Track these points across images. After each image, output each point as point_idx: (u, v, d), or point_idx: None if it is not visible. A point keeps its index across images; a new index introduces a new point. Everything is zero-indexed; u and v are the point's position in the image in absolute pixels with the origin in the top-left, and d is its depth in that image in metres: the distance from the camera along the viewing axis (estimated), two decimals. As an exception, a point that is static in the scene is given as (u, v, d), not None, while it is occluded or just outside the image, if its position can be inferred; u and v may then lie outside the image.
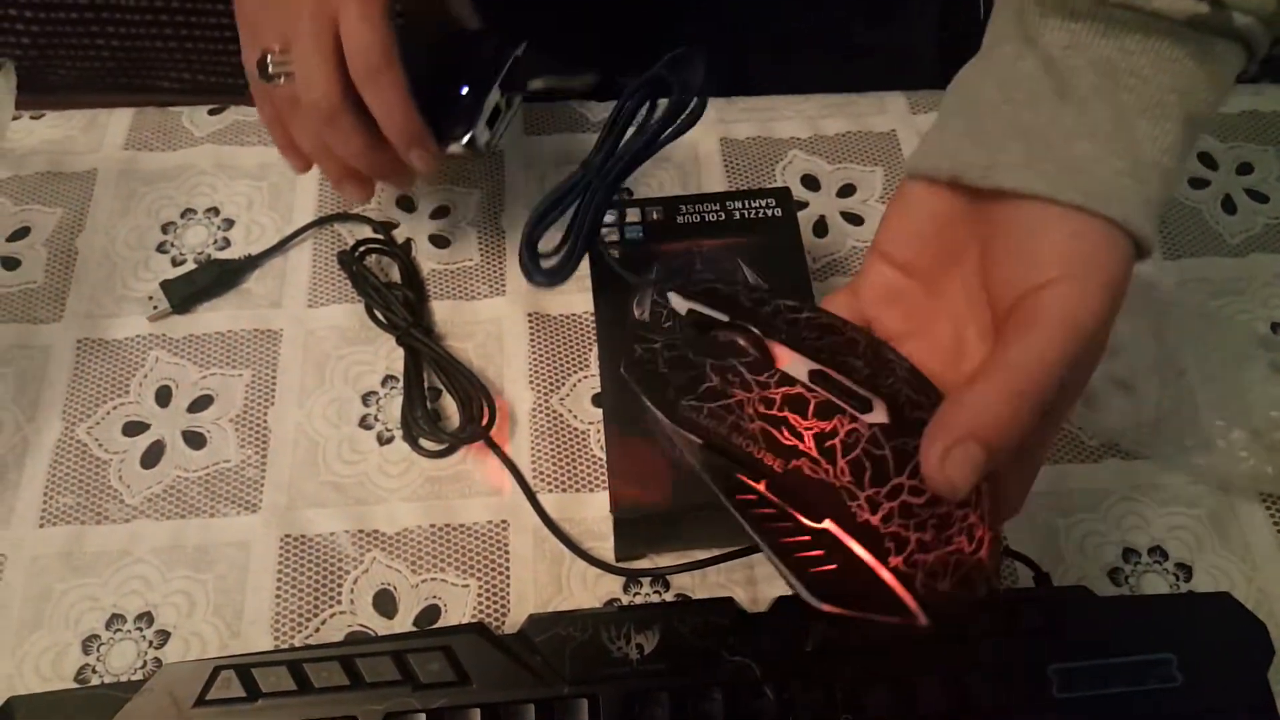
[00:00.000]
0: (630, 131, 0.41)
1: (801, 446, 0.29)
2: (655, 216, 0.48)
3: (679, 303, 0.35)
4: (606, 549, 0.45)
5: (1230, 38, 0.30)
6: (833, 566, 0.29)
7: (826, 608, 0.30)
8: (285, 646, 0.42)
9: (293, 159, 0.48)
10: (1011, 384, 0.28)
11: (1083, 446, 0.48)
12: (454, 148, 0.45)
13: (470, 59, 0.46)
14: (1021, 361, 0.29)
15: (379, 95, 0.42)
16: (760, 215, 0.48)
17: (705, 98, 0.40)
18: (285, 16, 0.43)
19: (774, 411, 0.30)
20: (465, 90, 0.45)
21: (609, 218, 0.47)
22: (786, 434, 0.30)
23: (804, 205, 0.55)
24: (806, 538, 0.29)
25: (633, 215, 0.48)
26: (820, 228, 0.55)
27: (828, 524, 0.29)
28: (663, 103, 0.41)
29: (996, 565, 0.30)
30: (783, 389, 0.30)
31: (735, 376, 0.31)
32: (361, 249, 0.51)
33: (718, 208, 0.48)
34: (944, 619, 0.29)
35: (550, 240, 0.42)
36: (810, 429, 0.30)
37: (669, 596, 0.44)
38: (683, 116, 0.40)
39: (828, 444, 0.29)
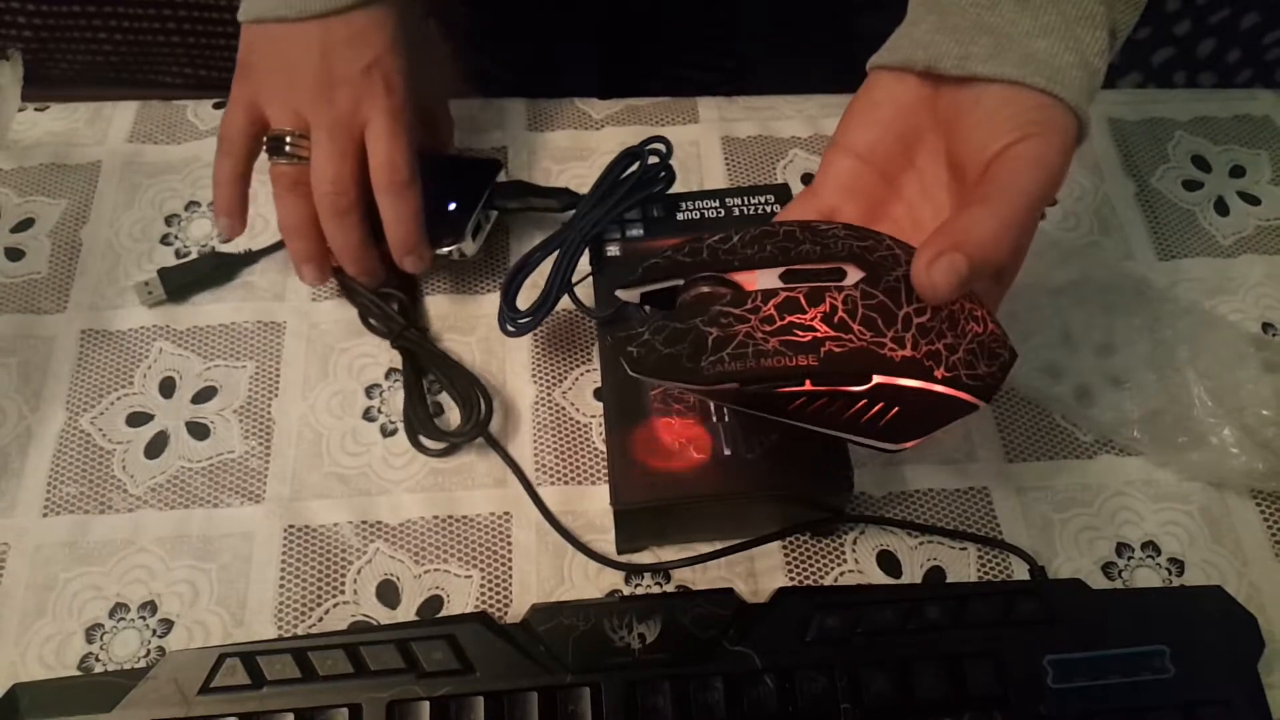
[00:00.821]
0: (616, 196, 0.47)
1: (819, 334, 0.32)
2: (655, 214, 0.48)
3: (630, 295, 0.38)
4: (608, 541, 0.45)
5: None
6: (896, 410, 0.33)
7: (908, 445, 0.34)
8: (289, 635, 0.43)
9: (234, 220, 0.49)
10: (997, 211, 0.33)
11: (1077, 442, 0.49)
12: (441, 255, 0.50)
13: (457, 180, 0.51)
14: (1005, 194, 0.33)
15: (398, 208, 0.46)
16: (759, 211, 0.48)
17: (671, 173, 0.48)
18: (304, 99, 0.45)
19: (779, 323, 0.33)
20: (453, 207, 0.50)
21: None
22: (800, 333, 0.32)
23: (804, 203, 0.56)
24: (864, 401, 0.32)
25: (633, 213, 0.48)
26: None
27: (876, 379, 0.32)
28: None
29: (1005, 332, 0.34)
30: (771, 302, 0.33)
31: (727, 318, 0.33)
32: None
33: (717, 204, 0.48)
34: (991, 392, 0.33)
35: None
36: (814, 317, 0.32)
37: (670, 588, 0.44)
38: (656, 189, 0.47)
39: (836, 319, 0.32)
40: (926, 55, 0.36)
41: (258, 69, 0.46)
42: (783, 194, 0.49)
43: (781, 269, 0.34)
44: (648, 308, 0.38)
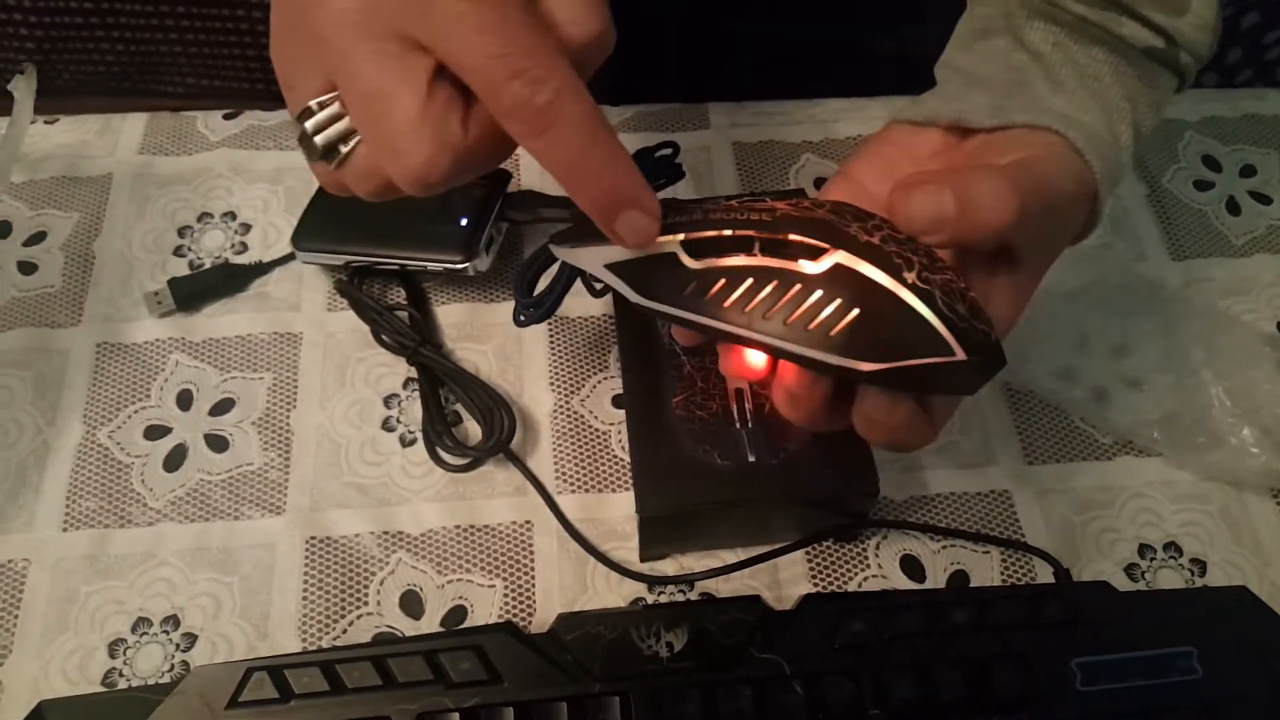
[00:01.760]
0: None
1: (778, 209, 0.29)
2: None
3: (569, 254, 0.34)
4: (630, 549, 0.45)
5: (1171, 69, 0.35)
6: (856, 314, 0.28)
7: (867, 366, 0.28)
8: (313, 648, 0.42)
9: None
10: (1006, 174, 0.29)
11: (1096, 444, 0.49)
12: (455, 272, 0.49)
13: (468, 194, 0.50)
14: (1019, 167, 0.31)
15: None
16: None
17: (680, 168, 0.49)
18: None
19: (736, 207, 0.30)
20: (464, 221, 0.49)
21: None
22: (757, 211, 0.30)
23: (817, 208, 0.56)
24: (819, 294, 0.28)
25: None
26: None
27: (835, 257, 0.28)
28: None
29: (990, 323, 0.30)
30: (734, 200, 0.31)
31: (680, 206, 0.31)
32: (357, 274, 0.51)
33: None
34: (977, 350, 0.28)
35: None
36: (777, 204, 0.30)
37: (694, 595, 0.44)
38: (662, 180, 0.48)
39: (800, 205, 0.30)
40: (956, 109, 0.35)
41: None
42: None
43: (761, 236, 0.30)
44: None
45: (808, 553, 0.45)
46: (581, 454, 0.48)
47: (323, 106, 0.29)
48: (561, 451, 0.48)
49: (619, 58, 0.30)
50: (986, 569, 0.45)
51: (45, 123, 0.58)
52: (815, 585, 0.44)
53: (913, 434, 0.31)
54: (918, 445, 0.33)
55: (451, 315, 0.51)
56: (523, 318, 0.44)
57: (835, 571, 0.45)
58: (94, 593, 0.44)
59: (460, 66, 0.26)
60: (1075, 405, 0.49)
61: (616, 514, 0.46)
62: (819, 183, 0.57)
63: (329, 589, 0.44)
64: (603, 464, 0.47)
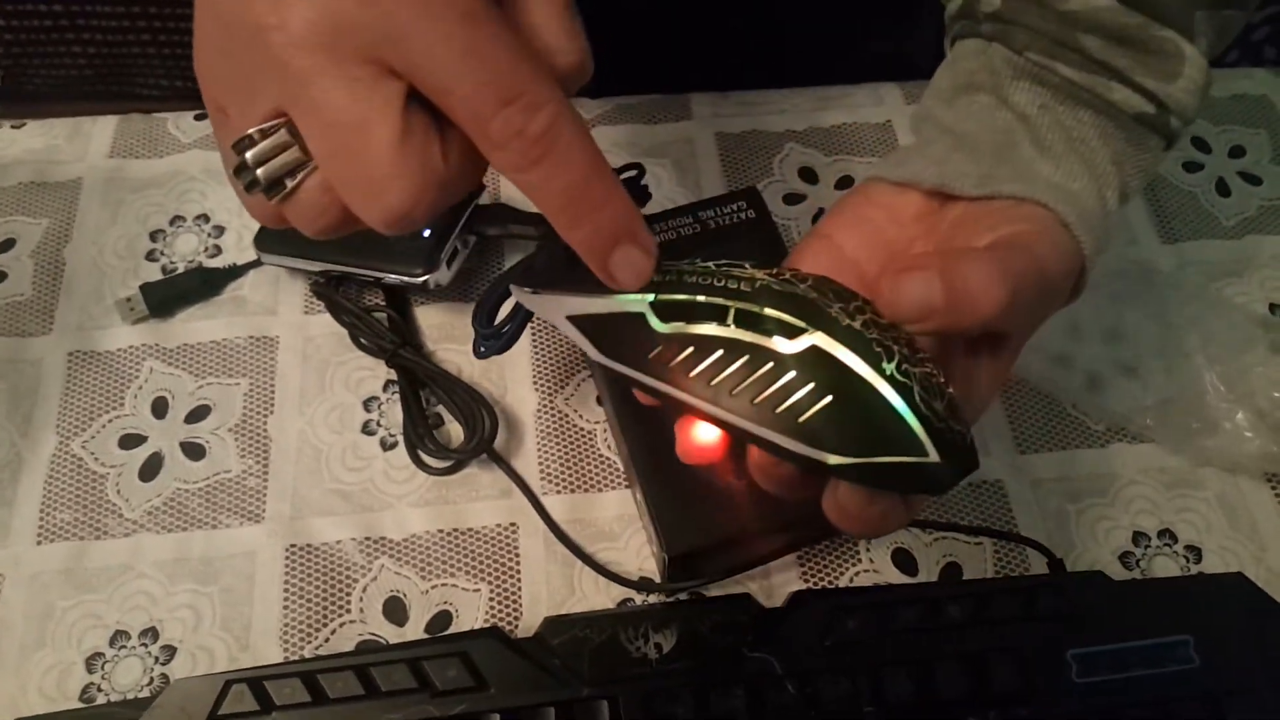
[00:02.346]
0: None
1: (759, 278, 0.27)
2: None
3: (529, 297, 0.32)
4: (618, 549, 0.44)
5: (1160, 134, 0.34)
6: (828, 401, 0.26)
7: (834, 459, 0.26)
8: (295, 658, 0.42)
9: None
10: (998, 258, 0.28)
11: (1089, 431, 0.48)
12: (413, 285, 0.47)
13: None
14: (1011, 249, 0.30)
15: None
16: (735, 220, 0.47)
17: (645, 191, 0.48)
18: None
19: (714, 271, 0.28)
20: (427, 233, 0.47)
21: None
22: (736, 277, 0.28)
23: (802, 198, 0.55)
24: (792, 375, 0.26)
25: None
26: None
27: (811, 338, 0.26)
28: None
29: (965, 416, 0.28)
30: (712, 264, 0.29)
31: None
32: (334, 276, 0.50)
33: (690, 220, 0.47)
34: (951, 453, 0.26)
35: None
36: (758, 272, 0.28)
37: (683, 596, 0.43)
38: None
39: (782, 276, 0.27)
40: (939, 173, 0.33)
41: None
42: (753, 198, 0.48)
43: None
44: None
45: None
46: (567, 453, 0.47)
47: (265, 135, 0.26)
48: (546, 451, 0.47)
49: (597, 48, 0.28)
50: (979, 561, 0.44)
51: (12, 127, 0.56)
52: (806, 581, 0.43)
53: (888, 524, 0.30)
54: (891, 531, 0.31)
55: (432, 316, 0.51)
56: (483, 349, 0.42)
57: (826, 567, 0.44)
58: (71, 607, 0.43)
59: (442, 93, 0.24)
60: (1068, 393, 0.49)
61: (604, 514, 0.45)
62: (804, 172, 0.56)
63: (311, 597, 0.43)
64: (589, 463, 0.46)
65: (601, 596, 0.43)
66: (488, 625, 0.42)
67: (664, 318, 0.28)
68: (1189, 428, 0.47)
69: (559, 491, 0.46)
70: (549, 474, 0.46)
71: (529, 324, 0.46)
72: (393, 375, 0.48)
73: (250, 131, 0.26)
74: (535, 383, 0.49)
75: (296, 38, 0.24)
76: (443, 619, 0.43)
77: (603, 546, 0.44)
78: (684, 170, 0.56)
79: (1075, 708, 0.38)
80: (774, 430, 0.26)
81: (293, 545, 0.44)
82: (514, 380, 0.49)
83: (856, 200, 0.35)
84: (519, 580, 0.44)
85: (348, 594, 0.43)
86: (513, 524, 0.45)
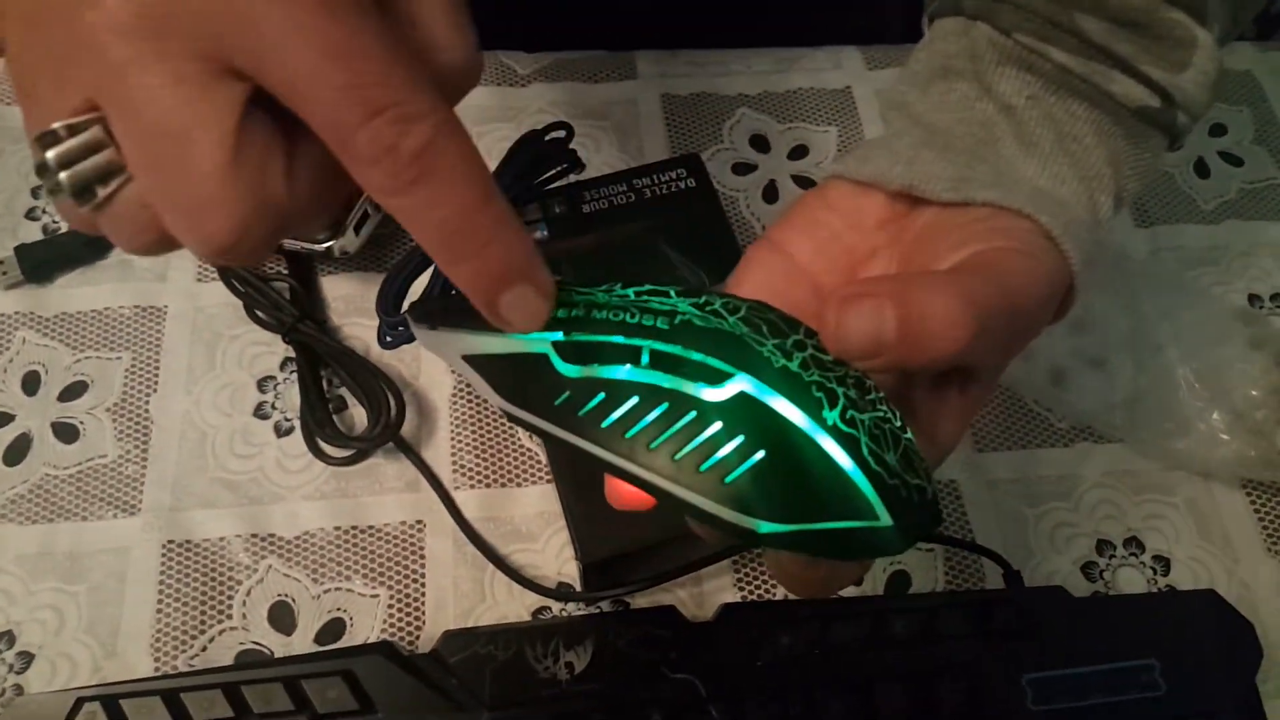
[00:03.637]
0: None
1: (680, 307, 0.23)
2: (558, 209, 0.43)
3: (426, 332, 0.27)
4: (536, 551, 0.40)
5: (1164, 132, 0.30)
6: (759, 456, 0.22)
7: (765, 527, 0.22)
8: (167, 668, 0.37)
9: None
10: (964, 287, 0.24)
11: (1052, 429, 0.44)
12: (317, 251, 0.43)
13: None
14: (979, 276, 0.25)
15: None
16: (674, 189, 0.43)
17: (575, 158, 0.43)
18: None
19: (633, 300, 0.24)
20: None
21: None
22: (654, 304, 0.24)
23: (752, 169, 0.51)
24: (717, 425, 0.22)
25: (532, 212, 0.43)
26: (770, 192, 0.50)
27: (744, 381, 0.22)
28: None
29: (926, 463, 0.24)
30: (631, 287, 0.24)
31: (567, 291, 0.25)
32: None
33: (625, 189, 0.43)
34: (906, 514, 0.22)
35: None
36: (679, 298, 0.24)
37: (605, 604, 0.39)
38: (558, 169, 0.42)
39: (707, 308, 0.23)
40: (908, 174, 0.29)
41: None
42: (694, 165, 0.44)
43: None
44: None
45: (733, 557, 0.40)
46: (484, 444, 0.42)
47: (74, 132, 0.21)
48: (461, 441, 0.42)
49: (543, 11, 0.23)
50: (930, 571, 0.41)
51: (-123, 66, 0.51)
52: (740, 591, 0.40)
53: (834, 585, 0.26)
54: (841, 589, 0.27)
55: (339, 287, 0.46)
56: (389, 338, 0.38)
57: (763, 575, 0.40)
58: (-87, 608, 0.38)
59: (296, 99, 0.19)
60: (1030, 387, 0.45)
61: (523, 512, 0.41)
62: (755, 140, 0.51)
63: (188, 600, 0.38)
64: (507, 455, 0.42)
65: (515, 604, 0.39)
66: (384, 637, 0.38)
67: (570, 359, 0.24)
68: (1160, 428, 0.43)
69: (473, 486, 0.41)
70: (462, 466, 0.42)
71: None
72: (291, 352, 0.43)
73: (55, 126, 0.21)
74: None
75: (115, 20, 0.19)
76: (335, 628, 0.38)
77: (519, 548, 0.40)
78: (625, 134, 0.51)
79: (1029, 738, 0.35)
80: (695, 492, 0.22)
81: (170, 541, 0.40)
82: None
83: (813, 202, 0.31)
84: (423, 585, 0.39)
85: (229, 597, 0.39)
86: (419, 521, 0.40)
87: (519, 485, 0.42)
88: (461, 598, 0.39)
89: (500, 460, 0.42)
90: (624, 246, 0.41)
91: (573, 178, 0.43)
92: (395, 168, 0.20)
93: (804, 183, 0.50)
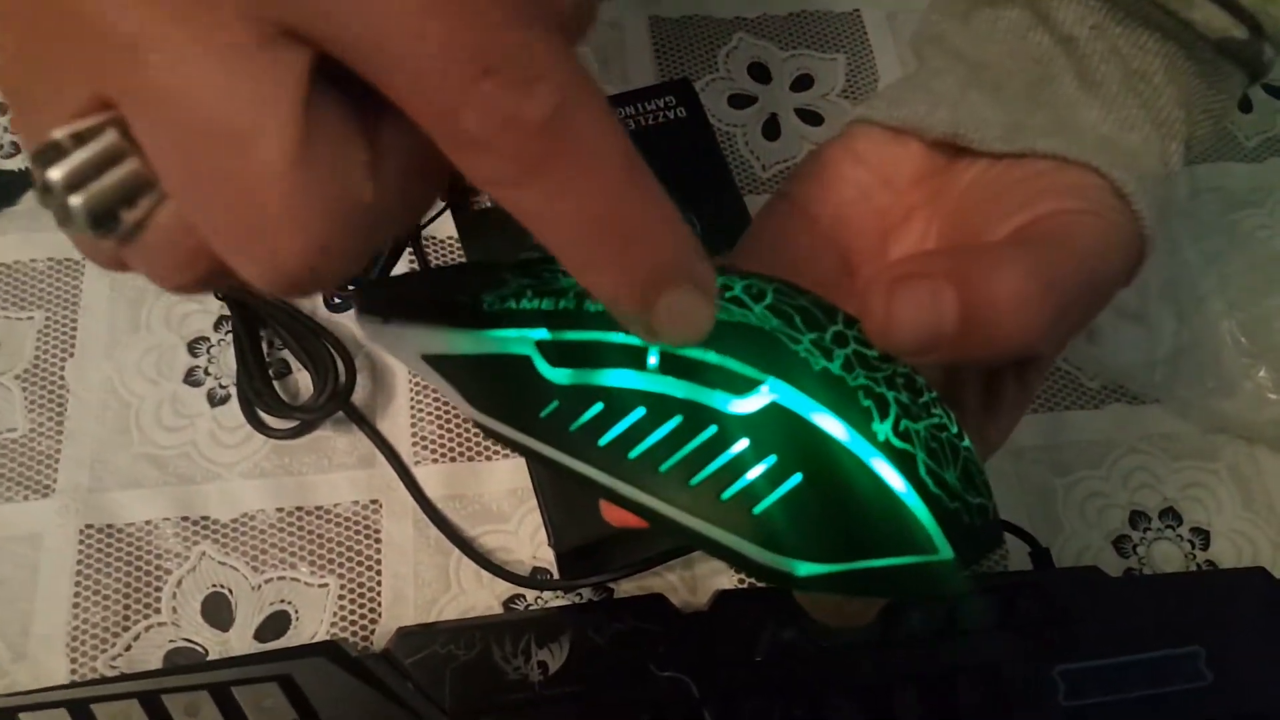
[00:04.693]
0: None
1: None
2: None
3: (381, 329, 0.22)
4: (508, 533, 0.36)
5: (1245, 68, 0.25)
6: (796, 480, 0.17)
7: (804, 569, 0.18)
8: (85, 671, 0.33)
9: None
10: (1038, 261, 0.20)
11: (1082, 390, 0.40)
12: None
13: None
14: (1054, 248, 0.20)
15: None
16: (662, 119, 0.38)
17: None
18: None
19: None
20: None
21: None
22: None
23: (751, 101, 0.45)
24: (744, 443, 0.17)
25: None
26: (771, 128, 0.45)
27: (777, 389, 0.17)
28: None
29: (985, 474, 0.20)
30: None
31: (554, 273, 0.20)
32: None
33: None
34: (968, 542, 0.18)
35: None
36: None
37: (586, 592, 0.35)
38: None
39: (727, 294, 0.19)
40: (952, 119, 0.24)
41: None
42: (684, 92, 0.39)
43: None
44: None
45: (728, 533, 0.36)
46: (449, 413, 0.38)
47: (82, 140, 0.15)
48: (422, 410, 0.38)
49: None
50: (949, 550, 0.36)
51: None
52: (739, 580, 0.35)
53: (870, 613, 0.22)
54: (876, 612, 0.23)
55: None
56: (337, 299, 0.33)
57: (762, 557, 0.36)
58: None
59: (375, 63, 0.14)
60: (1058, 342, 0.40)
61: (492, 489, 0.36)
62: (754, 69, 0.46)
63: (110, 593, 0.34)
64: (474, 426, 0.37)
65: (484, 594, 0.35)
66: (334, 633, 0.34)
67: (558, 361, 0.19)
68: (1202, 386, 0.39)
69: (435, 460, 0.37)
70: (423, 438, 0.37)
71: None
72: (226, 310, 0.38)
73: (57, 135, 0.15)
74: (411, 322, 0.39)
75: None
76: (278, 622, 0.34)
77: (488, 530, 0.36)
78: (608, 62, 0.45)
79: (1063, 740, 0.31)
80: (715, 525, 0.18)
81: (89, 526, 0.35)
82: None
83: (837, 153, 0.26)
84: (378, 574, 0.35)
85: (157, 589, 0.34)
86: (374, 501, 0.36)
87: (488, 459, 0.37)
88: (423, 587, 0.35)
89: (466, 431, 0.37)
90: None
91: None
92: (517, 146, 0.14)
93: (809, 117, 0.45)
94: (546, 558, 0.35)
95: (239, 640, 0.33)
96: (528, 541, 0.36)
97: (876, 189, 0.25)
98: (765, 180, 0.43)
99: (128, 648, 0.33)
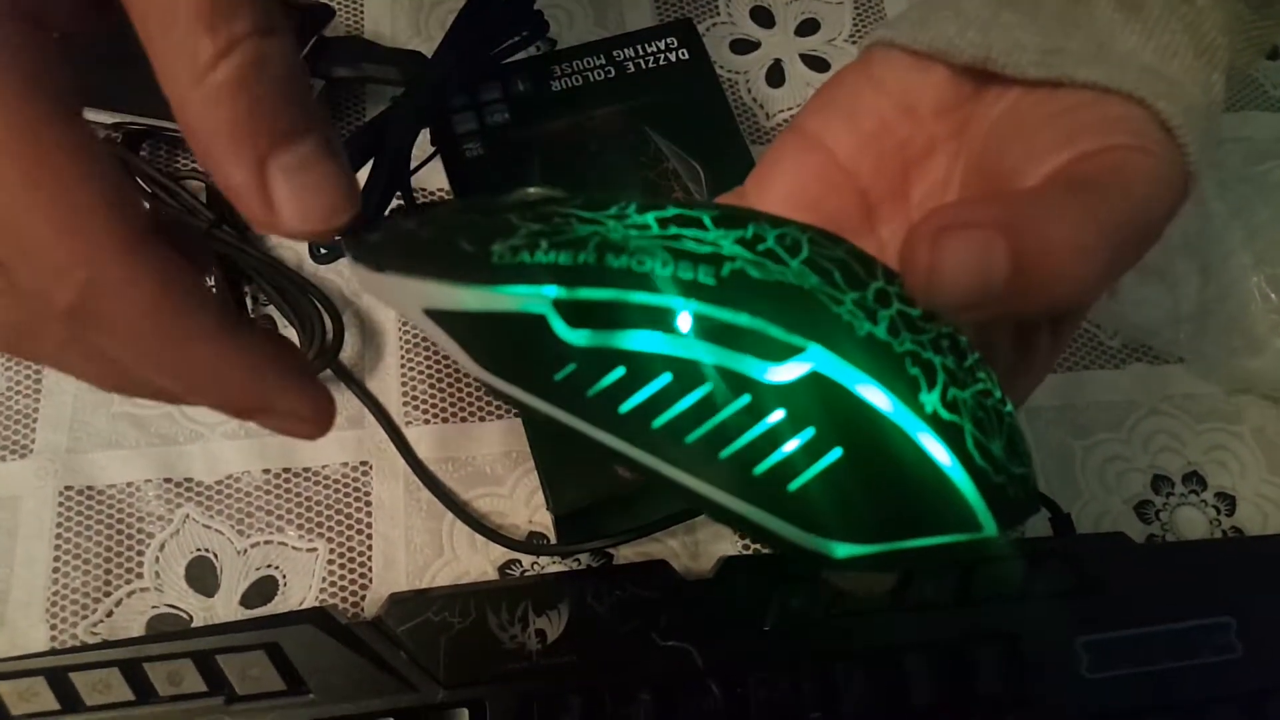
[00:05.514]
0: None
1: (725, 251, 0.17)
2: (521, 87, 0.35)
3: (371, 274, 0.21)
4: (503, 496, 0.34)
5: None
6: (836, 454, 0.16)
7: (842, 549, 0.17)
8: (65, 638, 0.31)
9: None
10: (1091, 208, 0.18)
11: (1102, 348, 0.38)
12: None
13: None
14: (1105, 193, 0.19)
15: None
16: (663, 62, 0.36)
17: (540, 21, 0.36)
18: None
19: (655, 232, 0.17)
20: None
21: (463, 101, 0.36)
22: (692, 243, 0.17)
23: (754, 46, 0.43)
24: (780, 414, 0.16)
25: (491, 91, 0.35)
26: (775, 75, 0.43)
27: (817, 354, 0.16)
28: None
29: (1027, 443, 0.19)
30: (651, 213, 0.17)
31: (567, 220, 0.18)
32: (132, 129, 0.37)
33: (603, 62, 0.36)
34: (1011, 515, 0.17)
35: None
36: (723, 237, 0.17)
37: (585, 558, 0.33)
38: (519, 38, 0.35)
39: (760, 247, 0.17)
40: (983, 42, 0.22)
41: None
42: (687, 32, 0.37)
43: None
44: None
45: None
46: (441, 372, 0.36)
47: None
48: (413, 368, 0.36)
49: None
50: (964, 514, 0.35)
51: None
52: (743, 545, 0.34)
53: (891, 579, 0.22)
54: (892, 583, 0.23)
55: (267, 187, 0.39)
56: (323, 251, 0.31)
57: (769, 521, 0.34)
58: None
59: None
60: (1078, 300, 0.39)
61: (486, 450, 0.35)
62: (756, 13, 0.44)
63: (91, 558, 0.33)
64: (468, 385, 0.36)
65: (479, 559, 0.33)
66: (323, 599, 0.32)
67: (576, 321, 0.17)
68: (1227, 345, 0.37)
69: (427, 420, 0.35)
70: (415, 398, 0.35)
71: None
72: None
73: None
74: (403, 278, 0.37)
75: None
76: (265, 588, 0.32)
77: (483, 493, 0.34)
78: (603, 6, 0.43)
79: (1085, 711, 0.29)
80: (747, 502, 0.17)
81: (69, 488, 0.33)
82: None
83: (855, 80, 0.24)
84: (369, 538, 0.33)
85: (140, 554, 0.33)
86: (364, 463, 0.34)
87: (481, 420, 0.35)
88: (415, 552, 0.33)
89: (460, 391, 0.36)
90: (602, 133, 0.34)
91: (539, 48, 0.36)
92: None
93: (815, 63, 0.43)
94: (543, 522, 0.34)
95: (224, 606, 0.32)
96: (523, 505, 0.34)
97: (897, 119, 0.23)
98: (769, 130, 0.42)
99: (109, 614, 0.32)
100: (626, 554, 0.33)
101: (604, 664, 0.29)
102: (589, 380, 0.17)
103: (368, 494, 0.34)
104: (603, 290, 0.17)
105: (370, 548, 0.33)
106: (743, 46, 0.43)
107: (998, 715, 0.29)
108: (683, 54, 0.36)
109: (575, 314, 0.17)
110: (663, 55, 0.36)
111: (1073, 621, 0.30)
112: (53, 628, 0.32)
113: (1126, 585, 0.31)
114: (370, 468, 0.34)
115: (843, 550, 0.16)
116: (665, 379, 0.17)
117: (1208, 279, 0.38)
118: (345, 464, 0.34)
